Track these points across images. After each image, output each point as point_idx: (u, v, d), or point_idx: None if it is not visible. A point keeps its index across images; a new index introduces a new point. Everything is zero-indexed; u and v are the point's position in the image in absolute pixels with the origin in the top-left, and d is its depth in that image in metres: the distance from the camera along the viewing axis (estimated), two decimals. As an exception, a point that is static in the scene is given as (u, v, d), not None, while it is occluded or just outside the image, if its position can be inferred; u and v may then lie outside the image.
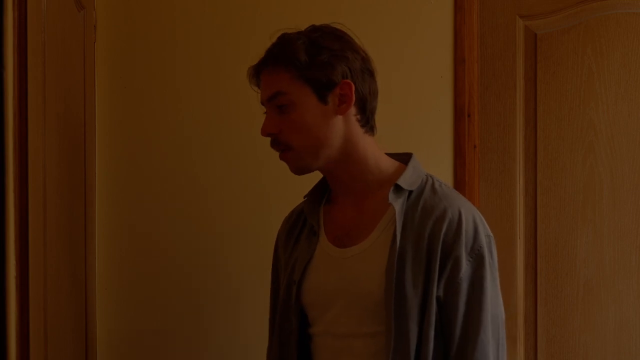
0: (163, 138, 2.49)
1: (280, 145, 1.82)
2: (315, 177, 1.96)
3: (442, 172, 2.52)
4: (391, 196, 1.79)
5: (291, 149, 1.80)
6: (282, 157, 1.83)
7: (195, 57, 2.50)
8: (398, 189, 1.80)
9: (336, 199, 1.91)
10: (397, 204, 1.78)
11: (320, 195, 1.95)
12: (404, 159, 1.89)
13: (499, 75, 2.58)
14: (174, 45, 2.50)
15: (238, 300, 2.48)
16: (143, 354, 2.49)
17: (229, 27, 2.50)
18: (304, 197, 1.98)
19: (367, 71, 1.85)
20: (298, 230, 1.95)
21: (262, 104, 1.85)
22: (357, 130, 1.83)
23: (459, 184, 2.53)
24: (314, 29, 1.84)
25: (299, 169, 1.84)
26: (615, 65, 2.57)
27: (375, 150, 1.86)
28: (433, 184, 1.84)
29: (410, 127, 2.52)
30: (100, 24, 2.48)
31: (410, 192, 1.81)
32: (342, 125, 1.81)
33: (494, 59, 2.58)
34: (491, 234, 1.83)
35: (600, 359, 2.56)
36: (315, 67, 1.77)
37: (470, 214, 1.80)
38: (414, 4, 2.53)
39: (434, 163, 2.51)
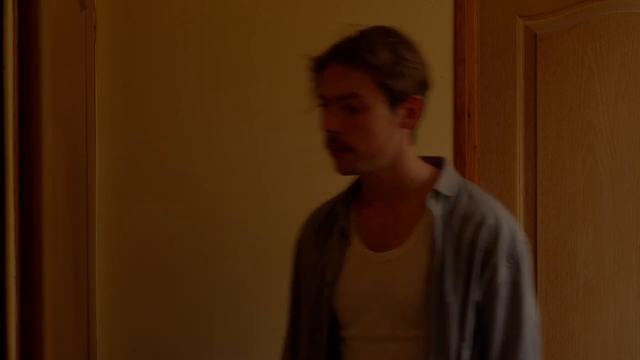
0: (163, 138, 2.49)
1: (339, 144, 1.78)
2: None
3: (442, 172, 2.52)
4: (430, 202, 1.79)
5: (351, 151, 1.77)
6: (336, 156, 1.79)
7: (195, 57, 2.50)
8: (436, 194, 1.80)
9: (369, 202, 1.89)
10: (436, 210, 1.78)
11: (351, 197, 1.92)
12: (436, 162, 1.89)
13: (499, 75, 2.58)
14: (174, 45, 2.50)
15: (238, 298, 2.48)
16: (144, 354, 2.49)
17: (229, 27, 2.50)
18: (336, 199, 1.94)
19: (428, 87, 1.84)
20: (326, 232, 1.91)
21: (324, 97, 1.80)
22: (407, 141, 1.83)
23: (459, 184, 2.53)
24: (389, 32, 1.81)
25: (349, 171, 1.82)
26: (615, 65, 2.57)
27: (415, 158, 1.85)
28: (469, 189, 1.84)
29: (410, 127, 2.52)
30: (100, 24, 2.48)
31: (447, 197, 1.81)
32: (398, 137, 1.80)
33: (494, 59, 2.58)
34: (526, 240, 1.83)
35: (600, 359, 2.56)
36: (395, 76, 1.76)
37: (508, 220, 1.81)
38: (414, 4, 2.53)
39: (434, 163, 2.51)
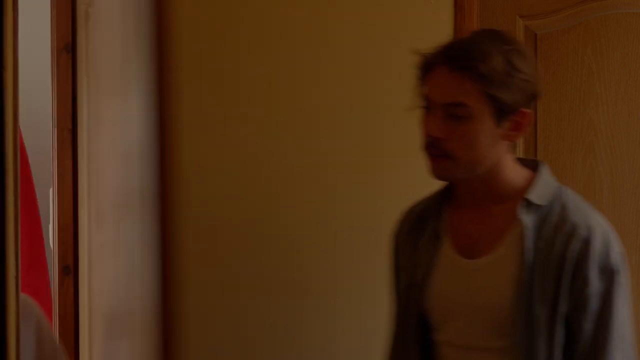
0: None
1: (439, 150, 1.74)
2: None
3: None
4: (521, 210, 1.75)
5: (451, 158, 1.73)
6: (434, 161, 1.76)
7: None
8: (528, 202, 1.76)
9: (461, 205, 1.85)
10: (527, 219, 1.74)
11: (443, 198, 1.88)
12: (533, 165, 1.84)
13: (499, 75, 2.58)
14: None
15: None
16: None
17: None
18: (429, 198, 1.92)
19: (538, 97, 1.80)
20: (419, 231, 1.89)
21: (428, 100, 1.76)
22: (506, 150, 1.79)
23: (459, 184, 2.53)
24: (504, 39, 1.76)
25: (445, 177, 1.80)
26: (615, 65, 2.57)
27: (512, 165, 1.81)
28: (563, 197, 1.79)
29: (411, 127, 2.51)
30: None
31: (539, 206, 1.76)
32: (499, 147, 1.77)
33: (494, 59, 2.57)
34: (623, 251, 1.80)
35: (600, 359, 2.56)
36: (506, 89, 1.70)
37: (602, 231, 1.76)
38: (414, 4, 2.53)
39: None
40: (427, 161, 1.78)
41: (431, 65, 1.76)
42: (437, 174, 1.78)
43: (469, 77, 1.70)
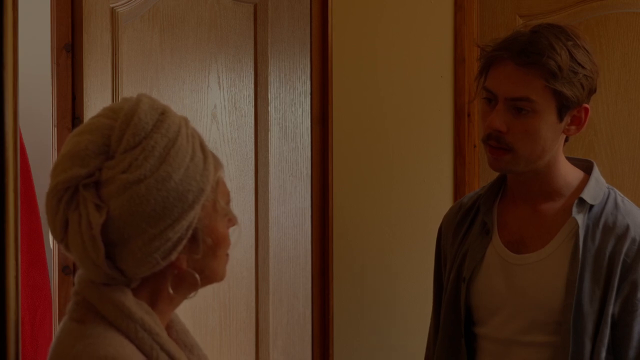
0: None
1: (501, 144, 1.74)
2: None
3: (443, 171, 2.52)
4: (575, 210, 1.75)
5: (512, 151, 1.74)
6: (493, 153, 1.76)
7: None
8: (581, 202, 1.77)
9: (513, 200, 1.85)
10: (580, 218, 1.75)
11: (495, 193, 1.89)
12: (584, 166, 1.85)
13: (499, 75, 2.57)
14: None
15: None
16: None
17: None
18: (480, 192, 1.92)
19: (595, 92, 1.81)
20: (467, 224, 1.89)
21: (492, 93, 1.75)
22: (561, 147, 1.80)
23: (459, 183, 2.53)
24: (567, 34, 1.76)
25: (503, 170, 1.80)
26: (615, 65, 2.57)
27: (565, 162, 1.82)
28: (615, 198, 1.80)
29: (411, 126, 2.52)
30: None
31: (592, 206, 1.77)
32: (558, 142, 1.77)
33: (494, 58, 2.57)
34: None
35: (600, 358, 2.56)
36: (570, 85, 1.72)
37: None
38: (414, 4, 2.53)
39: (435, 162, 2.51)
40: (486, 153, 1.78)
41: (494, 58, 1.76)
42: (496, 166, 1.78)
43: (536, 72, 1.71)
